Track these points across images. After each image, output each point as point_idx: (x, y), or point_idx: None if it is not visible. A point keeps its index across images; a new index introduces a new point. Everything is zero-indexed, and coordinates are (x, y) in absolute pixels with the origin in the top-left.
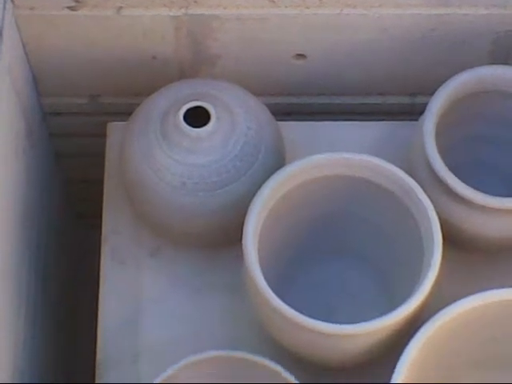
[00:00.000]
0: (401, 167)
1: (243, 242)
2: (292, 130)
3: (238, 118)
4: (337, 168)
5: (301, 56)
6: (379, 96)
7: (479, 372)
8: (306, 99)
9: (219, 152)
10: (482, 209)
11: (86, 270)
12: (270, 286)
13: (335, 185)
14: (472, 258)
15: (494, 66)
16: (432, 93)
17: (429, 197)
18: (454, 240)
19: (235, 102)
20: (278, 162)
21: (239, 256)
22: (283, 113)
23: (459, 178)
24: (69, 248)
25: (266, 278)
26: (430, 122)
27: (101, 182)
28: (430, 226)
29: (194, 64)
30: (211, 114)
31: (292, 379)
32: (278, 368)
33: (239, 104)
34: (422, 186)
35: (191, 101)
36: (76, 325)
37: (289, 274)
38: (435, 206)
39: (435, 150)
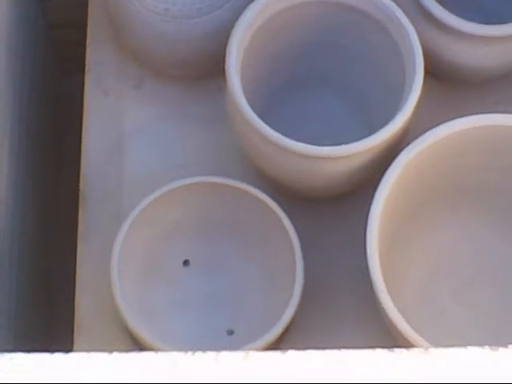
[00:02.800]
0: None
1: (226, 68)
2: None
3: None
4: None
5: None
6: None
7: (452, 198)
8: None
9: None
10: (461, 35)
11: (71, 114)
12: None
13: (317, 11)
14: (452, 89)
15: None
16: None
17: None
18: (435, 70)
19: None
20: None
21: (222, 88)
22: None
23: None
24: (53, 96)
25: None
26: None
27: (85, 25)
28: (412, 50)
29: None
30: None
31: (273, 204)
32: (261, 194)
33: None
34: (407, 17)
35: None
36: (62, 157)
37: (271, 105)
38: (419, 37)
39: None
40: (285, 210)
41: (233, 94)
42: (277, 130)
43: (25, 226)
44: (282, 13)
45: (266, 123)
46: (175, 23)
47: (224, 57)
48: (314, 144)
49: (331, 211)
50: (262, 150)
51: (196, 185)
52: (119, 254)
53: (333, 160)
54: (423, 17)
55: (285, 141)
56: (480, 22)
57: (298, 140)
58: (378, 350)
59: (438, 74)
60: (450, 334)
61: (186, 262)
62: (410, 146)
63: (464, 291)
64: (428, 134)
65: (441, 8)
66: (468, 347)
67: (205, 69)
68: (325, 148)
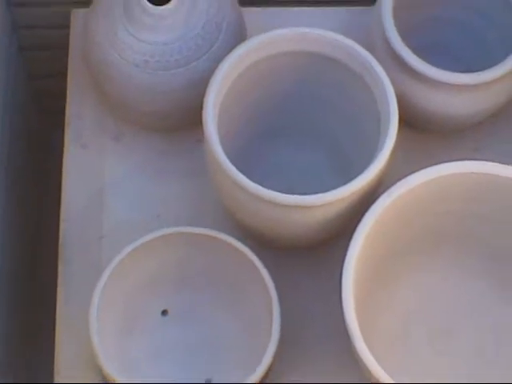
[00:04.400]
0: None
1: (203, 119)
2: (255, 15)
3: None
4: (296, 43)
5: None
6: None
7: (431, 244)
8: None
9: (181, 30)
10: (435, 84)
11: (51, 163)
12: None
13: (294, 61)
14: (430, 137)
15: None
16: None
17: (388, 76)
18: (411, 120)
19: None
20: (240, 42)
21: (200, 140)
22: (250, 1)
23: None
24: (34, 145)
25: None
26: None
27: (66, 75)
28: (387, 98)
29: None
30: None
31: (250, 254)
32: (238, 244)
33: None
34: (382, 66)
35: None
36: (42, 210)
37: (249, 155)
38: (395, 87)
39: (393, 27)
40: (262, 259)
41: (210, 145)
42: (254, 180)
43: (6, 276)
44: (258, 64)
45: (244, 173)
46: (154, 75)
47: (202, 108)
48: (291, 193)
49: (308, 260)
50: (238, 199)
51: (174, 235)
52: (98, 304)
53: (308, 209)
54: (398, 66)
55: (260, 190)
56: (450, 69)
57: (276, 189)
58: None
59: (415, 122)
60: (426, 382)
61: (164, 312)
62: (385, 194)
63: (442, 339)
64: (403, 181)
65: (415, 57)
66: None
67: (183, 120)
68: (300, 197)
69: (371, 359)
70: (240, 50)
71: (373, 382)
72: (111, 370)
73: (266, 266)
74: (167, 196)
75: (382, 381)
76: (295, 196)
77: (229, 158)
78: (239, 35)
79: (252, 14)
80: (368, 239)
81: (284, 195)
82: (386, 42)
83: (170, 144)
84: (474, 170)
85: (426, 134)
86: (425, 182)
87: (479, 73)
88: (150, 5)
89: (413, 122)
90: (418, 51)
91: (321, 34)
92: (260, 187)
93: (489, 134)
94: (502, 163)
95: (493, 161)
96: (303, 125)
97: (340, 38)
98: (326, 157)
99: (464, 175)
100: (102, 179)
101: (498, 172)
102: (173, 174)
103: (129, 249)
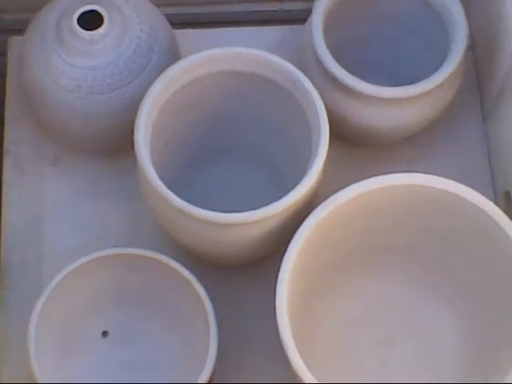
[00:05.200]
0: None
1: (135, 141)
2: (190, 37)
3: (130, 21)
4: (226, 63)
5: None
6: (276, 3)
7: (368, 256)
8: (207, 8)
9: (112, 54)
10: (365, 98)
11: None
12: (166, 186)
13: (227, 81)
14: (364, 151)
15: None
16: None
17: (320, 93)
18: (345, 135)
19: (128, 6)
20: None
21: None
22: (185, 23)
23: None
24: None
25: (161, 179)
26: (318, 17)
27: (3, 103)
28: (317, 114)
29: None
30: (104, 16)
31: (187, 273)
32: (175, 263)
33: (131, 7)
34: (314, 84)
35: (85, 5)
36: None
37: (186, 176)
38: (325, 102)
39: (323, 43)
40: (200, 278)
41: (142, 167)
42: (194, 201)
43: None
44: (190, 85)
45: (181, 194)
46: (87, 99)
47: None
48: (231, 212)
49: (247, 276)
50: (173, 220)
51: (111, 256)
52: (36, 326)
53: (241, 226)
54: (329, 82)
55: (191, 209)
56: (384, 85)
57: (214, 209)
58: None
59: (349, 137)
60: None
61: (104, 333)
62: (318, 208)
63: (383, 348)
64: (336, 195)
65: (345, 72)
66: None
67: (120, 144)
68: (231, 215)
69: (305, 370)
70: (170, 72)
71: None
72: None
73: (205, 284)
74: (107, 218)
75: None
76: (227, 214)
77: (166, 179)
78: (173, 57)
79: (187, 36)
80: (302, 254)
81: (215, 213)
82: (317, 59)
83: (109, 167)
84: (407, 183)
85: (360, 148)
86: (358, 195)
87: (407, 87)
88: (80, 30)
89: (347, 136)
90: (353, 68)
91: (250, 53)
92: (190, 206)
93: (423, 147)
94: (436, 175)
95: (426, 173)
96: (240, 144)
97: (269, 56)
98: (264, 174)
99: (397, 188)
100: (41, 204)
101: (432, 184)
102: (112, 196)
103: (66, 271)
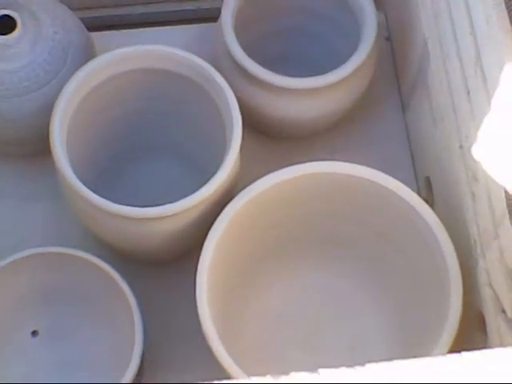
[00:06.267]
0: None
1: (50, 140)
2: (106, 39)
3: (43, 24)
4: (140, 61)
5: None
6: (194, 1)
7: (292, 247)
8: (124, 10)
9: (27, 57)
10: (277, 90)
11: None
12: (90, 187)
13: (141, 79)
14: (286, 143)
15: None
16: None
17: (234, 87)
18: (263, 128)
19: (41, 9)
20: None
21: None
22: (104, 26)
23: (271, 72)
24: None
25: (84, 178)
26: (227, 14)
27: None
28: (229, 107)
29: None
30: (17, 20)
31: (110, 270)
32: (97, 260)
33: (45, 11)
34: (228, 79)
35: None
36: None
37: (109, 174)
38: (241, 97)
39: (234, 39)
40: (125, 275)
41: (58, 165)
42: (117, 199)
43: None
44: (104, 84)
45: (106, 193)
46: (4, 102)
47: None
48: None
49: (170, 271)
50: (93, 217)
51: (34, 256)
52: None
53: (159, 220)
54: (243, 76)
55: (110, 206)
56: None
57: (139, 206)
58: None
59: (268, 130)
60: None
61: (34, 333)
62: (234, 200)
63: (311, 339)
64: (252, 186)
65: (257, 65)
66: None
67: (40, 145)
68: (147, 209)
69: (228, 361)
70: (82, 72)
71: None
72: None
73: (130, 280)
74: (32, 220)
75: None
76: (143, 208)
77: (89, 179)
78: (88, 59)
79: (104, 38)
80: (221, 245)
81: (132, 208)
82: (229, 55)
83: (31, 169)
84: (323, 171)
85: (281, 140)
86: (275, 184)
87: (318, 77)
88: None
89: (266, 129)
90: (276, 62)
91: (160, 50)
92: (107, 202)
93: (344, 137)
94: (359, 164)
95: (349, 162)
96: (161, 141)
97: (180, 52)
98: (187, 170)
99: (314, 176)
100: None
101: (349, 171)
102: (35, 198)
103: None
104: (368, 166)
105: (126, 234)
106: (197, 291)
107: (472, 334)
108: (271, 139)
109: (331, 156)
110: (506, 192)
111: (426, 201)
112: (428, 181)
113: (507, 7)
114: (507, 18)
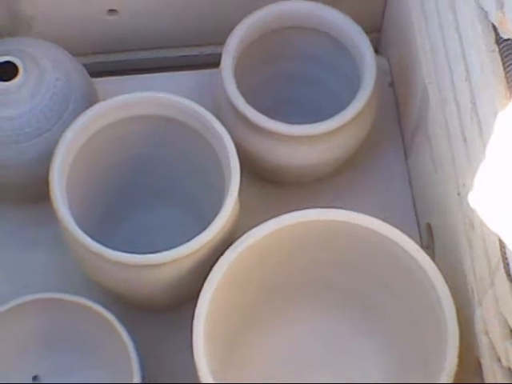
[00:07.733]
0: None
1: (50, 186)
2: (109, 85)
3: (45, 70)
4: (140, 108)
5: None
6: (196, 47)
7: (289, 291)
8: (126, 56)
9: (29, 104)
10: (274, 136)
11: None
12: (89, 233)
13: (139, 126)
14: (286, 190)
15: (291, 2)
16: None
17: (234, 133)
18: (264, 174)
19: (43, 56)
20: None
21: None
22: (104, 72)
23: (270, 119)
24: None
25: (85, 225)
26: (227, 60)
27: None
28: (227, 154)
29: (11, 28)
30: (19, 67)
31: (109, 315)
32: (98, 307)
33: (47, 57)
34: (228, 126)
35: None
36: None
37: (111, 220)
38: (241, 143)
39: (234, 86)
40: (124, 321)
41: (57, 212)
42: (119, 245)
43: None
44: (105, 130)
45: (108, 240)
46: (5, 148)
47: None
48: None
49: (170, 318)
50: (93, 264)
51: (35, 301)
52: None
53: (158, 267)
54: (242, 123)
55: (108, 253)
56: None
57: (141, 252)
58: None
59: (269, 176)
60: None
61: (35, 378)
62: (232, 247)
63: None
64: (250, 232)
65: (255, 112)
66: None
67: (41, 191)
68: (145, 256)
69: None
70: (82, 118)
71: None
72: None
73: (130, 326)
74: (34, 266)
75: None
76: (141, 255)
77: (88, 224)
78: (90, 105)
79: (107, 83)
80: (218, 293)
81: (129, 255)
82: (229, 101)
83: (34, 215)
84: (321, 218)
85: (283, 186)
86: (273, 231)
87: (317, 124)
88: None
89: (268, 176)
90: (272, 108)
91: (161, 97)
92: (106, 249)
93: (347, 183)
94: (362, 212)
95: (347, 209)
96: (161, 187)
97: (179, 99)
98: (188, 215)
99: (310, 223)
100: None
101: (349, 219)
102: (38, 244)
103: None
104: (370, 212)
105: (126, 280)
106: (194, 339)
107: (469, 379)
108: (273, 185)
109: (333, 202)
110: (500, 240)
111: (427, 247)
112: (429, 227)
113: (501, 53)
114: (501, 64)
